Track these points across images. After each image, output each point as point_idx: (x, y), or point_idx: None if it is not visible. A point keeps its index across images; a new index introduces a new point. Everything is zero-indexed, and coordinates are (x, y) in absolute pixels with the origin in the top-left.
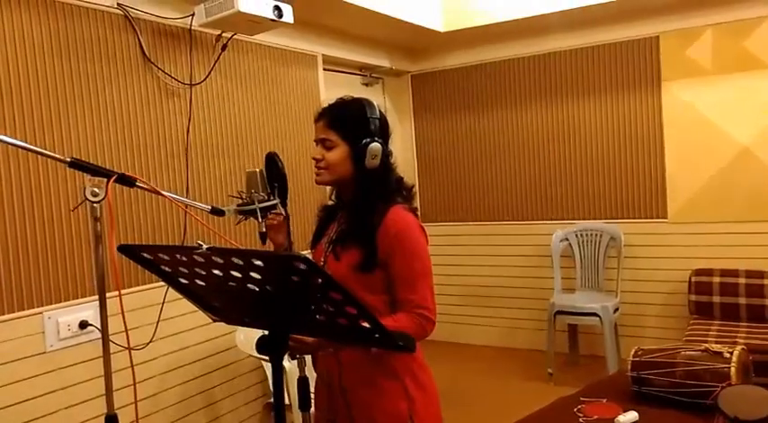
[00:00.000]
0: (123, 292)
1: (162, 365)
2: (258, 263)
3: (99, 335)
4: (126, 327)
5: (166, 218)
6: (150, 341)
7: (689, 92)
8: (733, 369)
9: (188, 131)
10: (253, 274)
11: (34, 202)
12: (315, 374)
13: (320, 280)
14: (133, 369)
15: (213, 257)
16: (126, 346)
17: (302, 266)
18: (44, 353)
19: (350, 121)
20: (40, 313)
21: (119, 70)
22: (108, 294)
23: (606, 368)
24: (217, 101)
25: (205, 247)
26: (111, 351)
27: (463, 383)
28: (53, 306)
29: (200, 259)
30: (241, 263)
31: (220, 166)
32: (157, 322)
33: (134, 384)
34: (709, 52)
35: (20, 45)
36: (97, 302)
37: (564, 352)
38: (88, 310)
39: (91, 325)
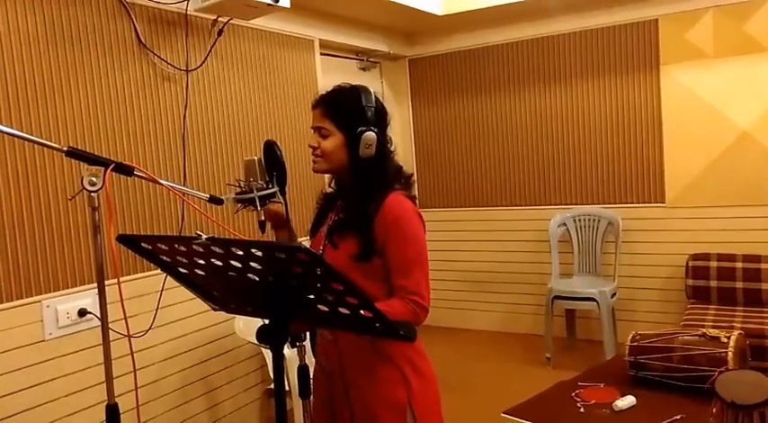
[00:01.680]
0: (122, 279)
1: (161, 353)
2: (258, 253)
3: (98, 323)
4: (125, 314)
5: (164, 206)
6: (149, 328)
7: (688, 75)
8: (730, 354)
9: (184, 118)
10: (253, 264)
11: (31, 190)
12: (314, 360)
13: (321, 270)
14: (133, 356)
15: (213, 248)
16: (125, 333)
17: (303, 257)
18: (43, 341)
19: (345, 110)
20: (39, 301)
21: (114, 57)
22: (107, 282)
23: (603, 353)
24: (213, 87)
25: (204, 237)
26: (111, 339)
27: (462, 368)
28: (52, 294)
29: (200, 249)
30: (241, 253)
31: (217, 153)
32: (156, 309)
33: (134, 371)
34: (708, 35)
35: (14, 33)
36: (95, 290)
37: (562, 336)
38: (87, 297)
39: (90, 313)
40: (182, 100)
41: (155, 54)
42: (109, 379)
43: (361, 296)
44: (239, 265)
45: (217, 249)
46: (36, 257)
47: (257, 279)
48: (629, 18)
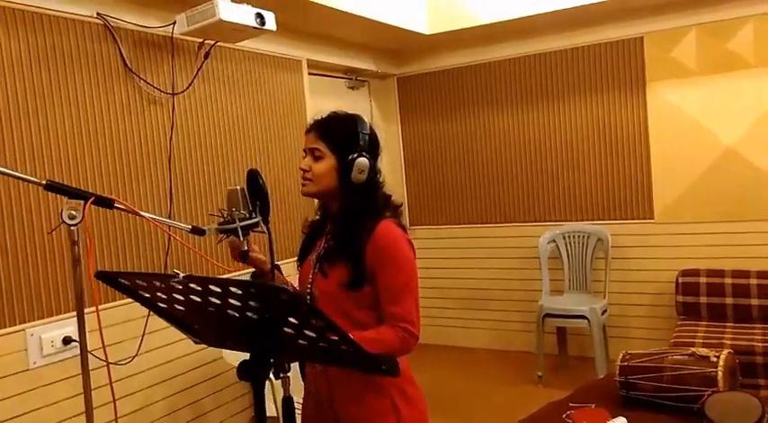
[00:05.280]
0: (107, 305)
1: (148, 379)
2: (237, 291)
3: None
4: (104, 343)
5: (151, 235)
6: (136, 355)
7: (674, 93)
8: (720, 373)
9: (171, 142)
10: (232, 301)
11: (15, 217)
12: (302, 384)
13: (302, 309)
14: (112, 387)
15: (191, 285)
16: (108, 361)
17: (283, 296)
18: (27, 370)
19: (340, 134)
20: (23, 330)
21: (99, 81)
22: (89, 310)
23: (595, 370)
24: (200, 109)
25: (182, 275)
26: (95, 366)
27: (452, 387)
28: (36, 322)
29: (178, 286)
30: (219, 290)
31: (205, 177)
32: (142, 336)
33: (113, 402)
34: (693, 53)
35: None
36: None
37: (553, 353)
38: (71, 325)
39: (74, 340)
40: (168, 124)
41: (140, 78)
42: (89, 410)
43: (342, 333)
44: (218, 302)
45: (195, 287)
46: (19, 285)
47: (237, 315)
48: (615, 36)
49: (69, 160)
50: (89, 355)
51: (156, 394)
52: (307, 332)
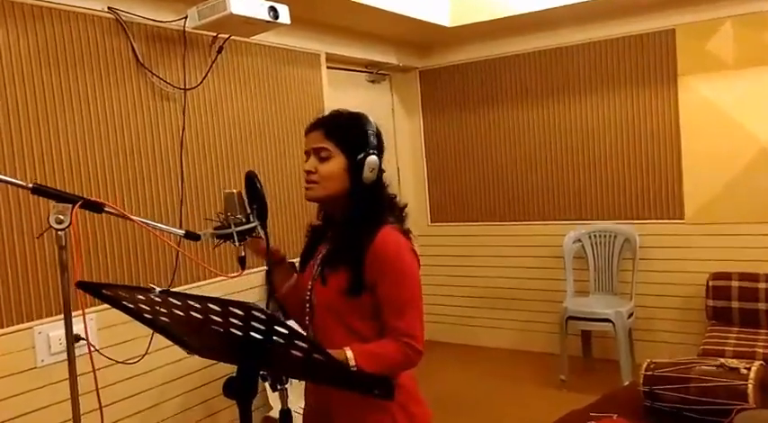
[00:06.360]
0: None
1: (160, 377)
2: (216, 308)
3: (91, 349)
4: (90, 350)
5: (158, 240)
6: (145, 353)
7: (707, 87)
8: (750, 386)
9: (183, 138)
10: (213, 317)
11: (23, 215)
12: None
13: (284, 330)
14: (98, 392)
15: (171, 299)
16: (118, 359)
17: (261, 317)
18: (35, 368)
19: (349, 132)
20: (31, 328)
21: (111, 76)
22: (92, 309)
23: (620, 375)
24: (213, 105)
25: (158, 290)
26: (104, 364)
27: (472, 388)
28: (43, 320)
29: (158, 300)
30: (199, 306)
31: (218, 175)
32: (152, 334)
33: (100, 408)
34: (728, 45)
35: (5, 54)
36: (88, 316)
37: (578, 355)
38: (79, 323)
39: (83, 339)
40: (180, 120)
41: (152, 73)
42: (76, 416)
43: (327, 355)
44: (200, 317)
45: (174, 301)
46: (27, 283)
47: (221, 330)
48: (646, 28)
49: (79, 158)
50: (99, 355)
51: (168, 392)
52: (293, 352)
